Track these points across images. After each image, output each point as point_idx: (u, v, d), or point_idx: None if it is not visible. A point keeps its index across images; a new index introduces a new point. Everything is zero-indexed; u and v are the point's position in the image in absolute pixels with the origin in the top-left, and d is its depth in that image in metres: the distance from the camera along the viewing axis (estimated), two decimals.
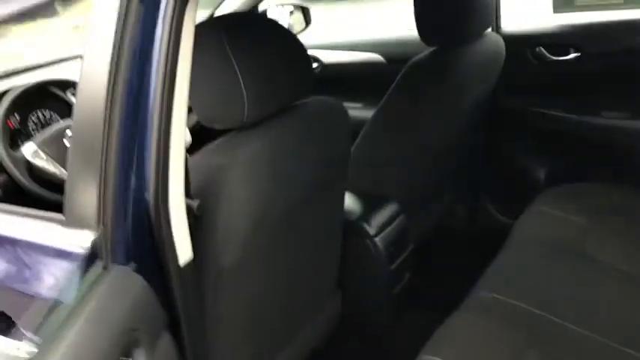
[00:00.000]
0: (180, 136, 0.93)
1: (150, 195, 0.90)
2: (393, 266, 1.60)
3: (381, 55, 2.29)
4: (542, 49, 1.96)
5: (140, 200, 0.91)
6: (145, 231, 0.92)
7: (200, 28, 1.03)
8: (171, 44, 0.87)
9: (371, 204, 1.63)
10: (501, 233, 1.69)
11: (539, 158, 2.09)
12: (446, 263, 2.01)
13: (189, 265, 0.99)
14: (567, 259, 1.49)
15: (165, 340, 0.97)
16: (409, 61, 1.66)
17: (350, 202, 1.60)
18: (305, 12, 2.55)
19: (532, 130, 2.07)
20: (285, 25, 2.50)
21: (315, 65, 2.50)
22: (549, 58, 1.96)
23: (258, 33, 1.10)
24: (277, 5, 2.48)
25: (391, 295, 1.63)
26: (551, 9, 1.98)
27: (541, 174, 2.09)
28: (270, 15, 2.44)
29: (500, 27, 2.07)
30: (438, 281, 1.93)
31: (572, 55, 1.92)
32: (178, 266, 0.96)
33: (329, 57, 2.47)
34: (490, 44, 1.79)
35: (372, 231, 1.55)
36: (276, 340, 1.36)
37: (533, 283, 1.42)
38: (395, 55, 2.23)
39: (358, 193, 1.65)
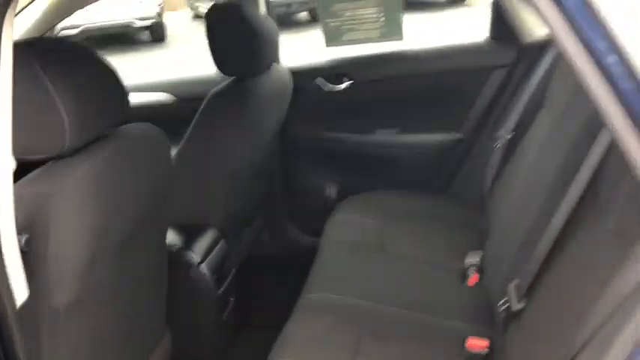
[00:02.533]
0: (5, 161, 0.86)
1: None
2: (220, 291, 1.62)
3: (172, 94, 2.31)
4: (322, 79, 2.19)
5: None
6: None
7: None
8: None
9: (191, 233, 1.63)
10: (308, 250, 1.82)
11: (330, 176, 2.30)
12: (264, 284, 2.08)
13: (24, 306, 0.90)
14: (373, 256, 1.70)
15: None
16: (206, 94, 1.72)
17: (169, 234, 1.58)
18: None
19: (321, 152, 2.28)
20: None
21: None
22: (327, 86, 2.20)
23: (69, 55, 1.07)
24: None
25: (221, 320, 1.64)
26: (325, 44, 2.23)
27: (333, 190, 2.30)
28: None
29: (279, 61, 2.26)
30: (260, 301, 1.99)
31: (346, 84, 2.18)
32: (16, 310, 0.87)
33: None
34: (279, 75, 1.95)
35: (196, 258, 1.56)
36: None
37: (351, 278, 1.58)
38: (186, 94, 2.27)
39: (175, 225, 1.64)
